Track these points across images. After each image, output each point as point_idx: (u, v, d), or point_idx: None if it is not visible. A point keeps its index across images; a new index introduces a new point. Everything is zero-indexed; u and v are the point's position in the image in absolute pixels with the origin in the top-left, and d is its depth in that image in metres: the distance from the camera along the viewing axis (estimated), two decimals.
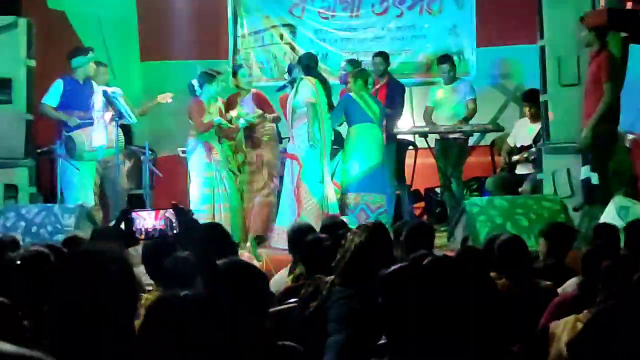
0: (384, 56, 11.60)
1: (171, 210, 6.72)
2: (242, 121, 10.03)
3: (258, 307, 3.75)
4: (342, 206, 9.95)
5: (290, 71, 10.10)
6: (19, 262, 4.42)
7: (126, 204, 10.18)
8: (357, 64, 11.19)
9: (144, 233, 6.97)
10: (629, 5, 7.80)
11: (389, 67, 11.60)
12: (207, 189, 9.83)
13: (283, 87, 10.20)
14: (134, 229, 6.93)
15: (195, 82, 9.96)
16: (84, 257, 3.23)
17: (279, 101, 10.42)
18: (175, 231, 6.89)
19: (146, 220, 6.73)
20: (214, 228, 6.17)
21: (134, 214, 6.84)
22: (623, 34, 9.22)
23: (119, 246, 3.60)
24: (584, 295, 4.86)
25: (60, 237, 8.15)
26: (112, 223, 7.98)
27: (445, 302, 3.56)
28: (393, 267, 3.92)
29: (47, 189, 10.67)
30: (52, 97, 10.18)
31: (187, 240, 5.72)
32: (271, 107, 10.35)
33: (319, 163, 9.81)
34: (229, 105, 10.39)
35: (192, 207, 9.43)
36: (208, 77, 10.01)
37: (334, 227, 6.79)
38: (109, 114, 10.04)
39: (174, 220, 6.72)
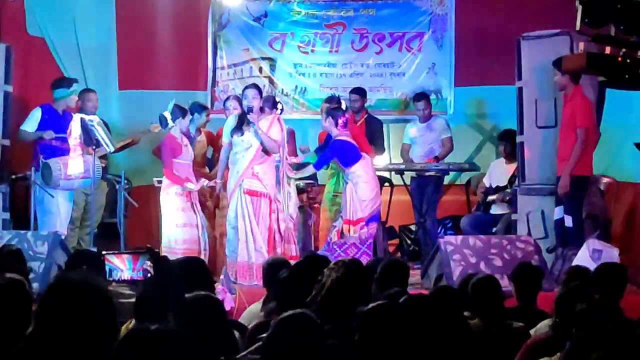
0: (361, 93, 11.63)
1: (149, 262, 6.52)
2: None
3: (217, 339, 4.01)
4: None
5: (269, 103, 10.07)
6: None
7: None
8: (335, 100, 11.08)
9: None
10: (608, 50, 7.84)
11: (365, 104, 11.64)
12: (182, 224, 9.75)
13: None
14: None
15: (167, 115, 9.86)
16: (67, 286, 3.26)
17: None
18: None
19: (124, 272, 6.50)
20: (192, 263, 6.13)
21: (107, 263, 6.61)
22: (601, 78, 9.28)
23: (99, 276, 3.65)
24: (557, 337, 4.87)
25: (33, 264, 8.08)
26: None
27: (422, 340, 3.57)
28: (371, 305, 3.92)
29: (20, 215, 10.58)
30: (30, 124, 10.15)
31: (162, 278, 5.66)
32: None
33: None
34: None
35: (164, 240, 9.48)
36: (180, 111, 9.93)
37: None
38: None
39: (151, 271, 6.52)
